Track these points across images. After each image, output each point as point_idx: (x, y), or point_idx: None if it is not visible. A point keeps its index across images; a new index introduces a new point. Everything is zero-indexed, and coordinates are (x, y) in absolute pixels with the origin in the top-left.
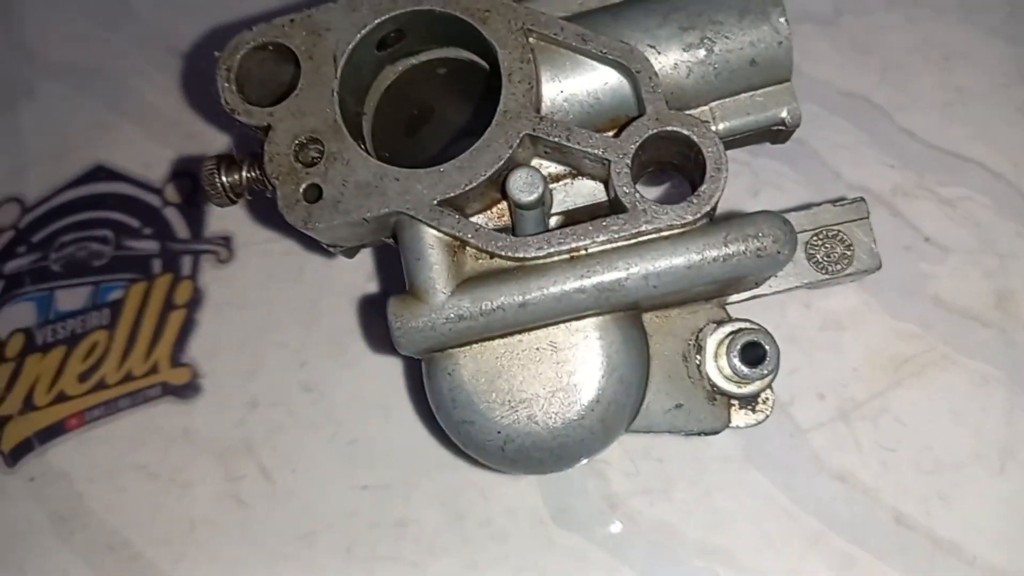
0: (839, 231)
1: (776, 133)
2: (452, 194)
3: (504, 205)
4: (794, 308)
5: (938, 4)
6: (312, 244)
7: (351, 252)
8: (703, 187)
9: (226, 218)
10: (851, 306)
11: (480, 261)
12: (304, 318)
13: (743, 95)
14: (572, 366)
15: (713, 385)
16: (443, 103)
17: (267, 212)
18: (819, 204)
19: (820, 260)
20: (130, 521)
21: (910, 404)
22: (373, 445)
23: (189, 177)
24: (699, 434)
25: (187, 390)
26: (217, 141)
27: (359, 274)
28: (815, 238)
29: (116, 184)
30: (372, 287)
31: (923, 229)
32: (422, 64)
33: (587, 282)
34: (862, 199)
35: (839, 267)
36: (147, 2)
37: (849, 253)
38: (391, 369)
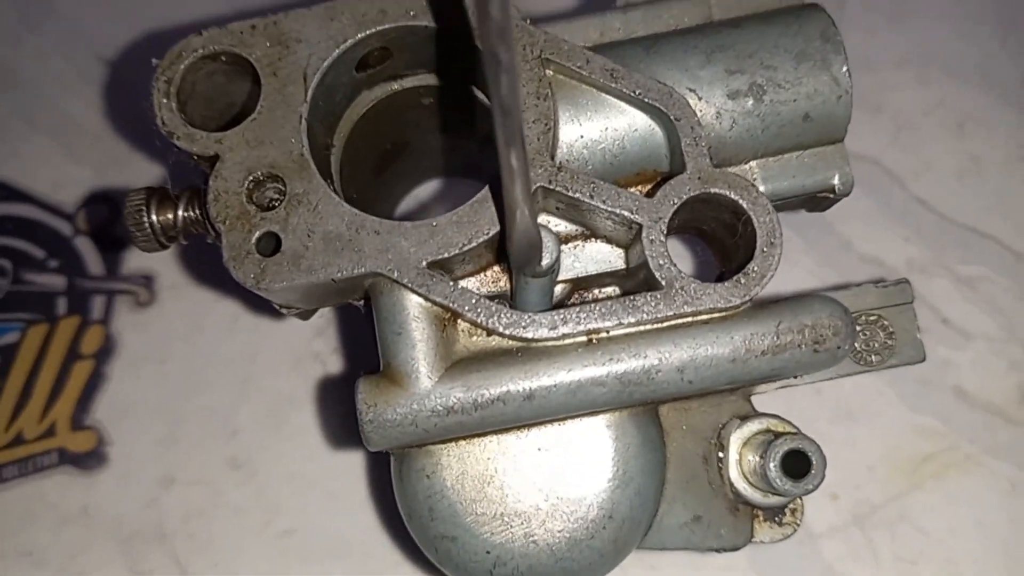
0: (879, 316)
1: (819, 200)
2: (446, 255)
3: (499, 268)
4: (803, 393)
5: (951, 66)
6: (256, 298)
7: (307, 314)
8: (753, 265)
9: (148, 254)
10: (865, 396)
11: (474, 338)
12: (236, 379)
13: (790, 154)
14: (579, 473)
15: (736, 493)
16: (421, 138)
17: (197, 249)
18: (859, 284)
19: (858, 349)
20: None
21: (931, 510)
22: (314, 537)
23: (106, 203)
24: (717, 551)
25: (89, 460)
26: (143, 166)
27: (305, 329)
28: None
29: (19, 205)
30: (321, 345)
31: (941, 310)
32: (405, 91)
33: (609, 372)
34: (906, 281)
35: (878, 358)
36: None
37: (891, 343)
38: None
